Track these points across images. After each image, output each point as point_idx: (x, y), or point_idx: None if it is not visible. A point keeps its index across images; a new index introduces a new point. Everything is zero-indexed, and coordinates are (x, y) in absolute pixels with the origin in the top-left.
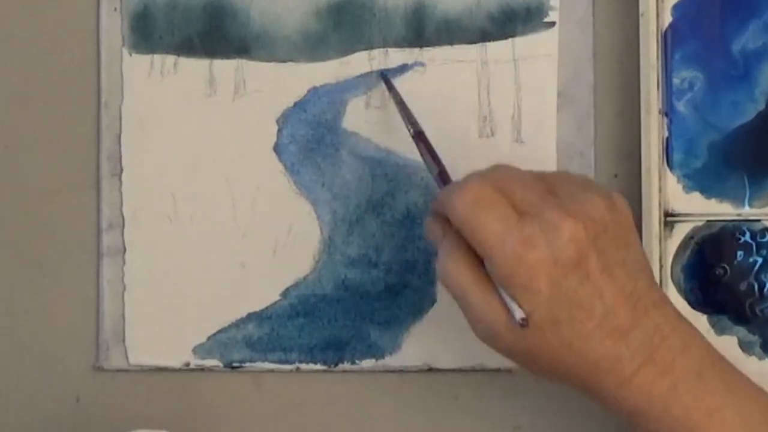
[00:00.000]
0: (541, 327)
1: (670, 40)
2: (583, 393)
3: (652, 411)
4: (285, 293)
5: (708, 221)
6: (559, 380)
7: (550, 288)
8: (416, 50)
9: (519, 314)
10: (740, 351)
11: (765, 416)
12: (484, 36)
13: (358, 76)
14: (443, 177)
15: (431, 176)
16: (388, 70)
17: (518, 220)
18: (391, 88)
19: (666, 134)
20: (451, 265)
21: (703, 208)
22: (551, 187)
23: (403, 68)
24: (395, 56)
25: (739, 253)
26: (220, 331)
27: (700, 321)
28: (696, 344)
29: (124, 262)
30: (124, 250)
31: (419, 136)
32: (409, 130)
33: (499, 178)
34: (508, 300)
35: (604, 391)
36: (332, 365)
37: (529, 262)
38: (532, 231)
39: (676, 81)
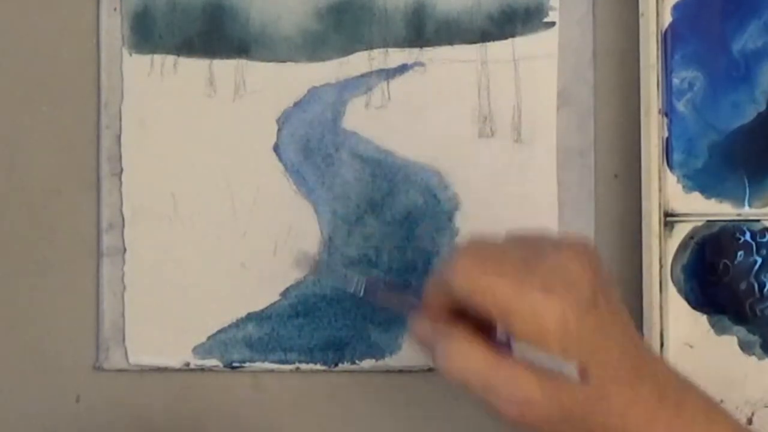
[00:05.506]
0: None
1: (670, 40)
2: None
3: None
4: (285, 293)
5: (708, 221)
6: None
7: (578, 330)
8: (416, 50)
9: (570, 368)
10: (740, 351)
11: None
12: (484, 36)
13: (358, 76)
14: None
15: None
16: (388, 69)
17: (526, 270)
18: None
19: (666, 134)
20: (461, 357)
21: (703, 208)
22: (527, 242)
23: (403, 68)
24: (395, 56)
25: (739, 253)
26: (220, 331)
27: (700, 321)
28: (687, 380)
29: (124, 262)
30: (124, 250)
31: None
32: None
33: (484, 246)
34: (549, 359)
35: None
36: (332, 365)
37: (554, 306)
38: (544, 276)
39: (676, 81)
